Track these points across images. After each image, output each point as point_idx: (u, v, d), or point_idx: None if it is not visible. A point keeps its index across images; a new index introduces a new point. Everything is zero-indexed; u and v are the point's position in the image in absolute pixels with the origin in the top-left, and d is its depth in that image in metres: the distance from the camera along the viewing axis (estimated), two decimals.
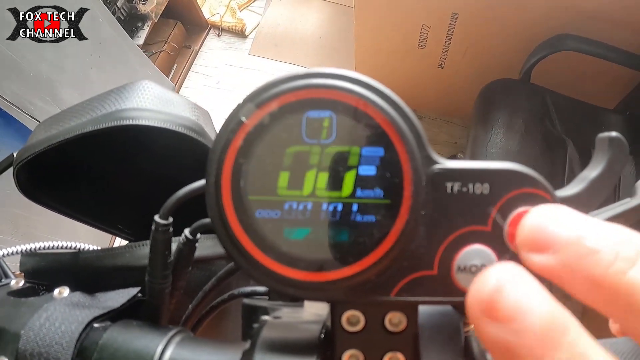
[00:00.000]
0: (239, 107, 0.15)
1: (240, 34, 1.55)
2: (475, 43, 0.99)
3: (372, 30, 1.05)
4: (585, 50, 0.82)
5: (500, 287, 0.10)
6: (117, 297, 0.22)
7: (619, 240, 0.11)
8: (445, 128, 1.33)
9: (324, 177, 0.14)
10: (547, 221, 0.12)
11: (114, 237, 0.34)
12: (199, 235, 0.21)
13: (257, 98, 0.14)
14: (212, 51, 1.53)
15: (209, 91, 1.44)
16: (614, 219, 0.19)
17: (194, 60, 1.50)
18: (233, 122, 0.15)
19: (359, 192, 0.14)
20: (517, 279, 0.11)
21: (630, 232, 0.11)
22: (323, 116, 0.14)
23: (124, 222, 0.34)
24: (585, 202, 0.16)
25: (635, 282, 0.10)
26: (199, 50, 1.52)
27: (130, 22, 1.29)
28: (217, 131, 0.15)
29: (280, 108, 0.14)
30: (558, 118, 0.84)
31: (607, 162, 0.16)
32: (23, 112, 0.75)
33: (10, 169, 0.29)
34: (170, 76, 1.41)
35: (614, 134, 0.16)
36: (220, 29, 1.56)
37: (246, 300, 0.21)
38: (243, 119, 0.14)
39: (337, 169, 0.14)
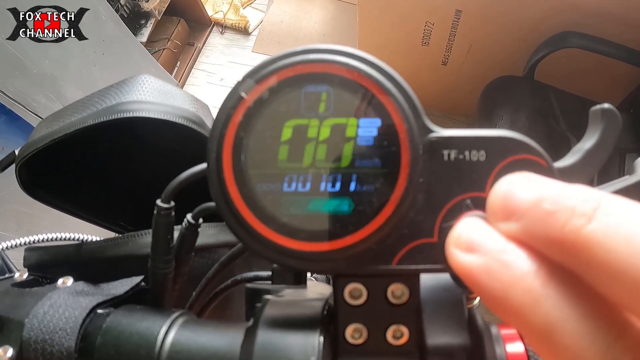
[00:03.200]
0: (239, 84, 0.15)
1: (244, 31, 1.56)
2: (478, 40, 1.00)
3: (375, 27, 1.06)
4: (589, 48, 0.82)
5: (463, 228, 0.13)
6: (121, 286, 0.22)
7: (575, 199, 0.10)
8: (449, 125, 1.33)
9: (323, 149, 0.14)
10: (512, 189, 0.12)
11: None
12: (201, 220, 0.22)
13: (257, 74, 0.15)
14: (216, 48, 1.54)
15: (212, 88, 1.44)
16: None
17: (197, 57, 1.51)
18: (233, 99, 0.15)
19: (357, 162, 0.14)
20: (476, 223, 0.13)
21: (589, 190, 0.11)
22: (320, 90, 0.15)
23: (125, 219, 0.34)
24: (580, 173, 0.16)
25: (592, 237, 0.10)
26: (202, 48, 1.53)
27: (134, 19, 1.29)
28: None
29: (279, 83, 0.15)
30: (562, 115, 0.84)
31: (601, 133, 0.16)
32: (27, 109, 0.75)
33: (13, 167, 0.29)
34: (174, 73, 1.41)
35: (606, 105, 0.16)
36: (223, 27, 1.57)
37: (249, 285, 0.21)
38: (243, 94, 0.15)
39: (336, 140, 0.14)
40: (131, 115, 0.25)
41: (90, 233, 0.31)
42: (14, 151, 0.29)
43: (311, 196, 0.14)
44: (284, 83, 0.15)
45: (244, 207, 0.15)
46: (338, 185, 0.14)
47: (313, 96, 0.15)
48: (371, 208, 0.14)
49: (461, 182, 0.14)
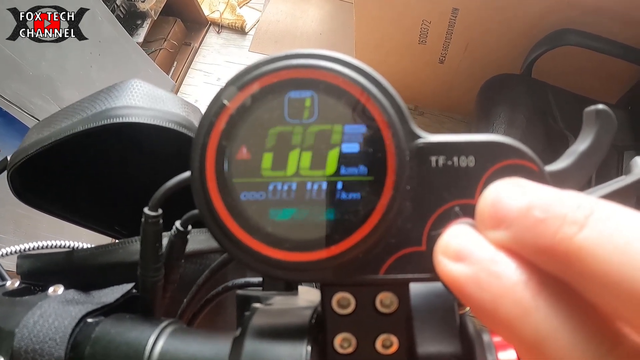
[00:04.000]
0: (221, 91, 0.15)
1: (240, 30, 1.55)
2: (476, 38, 0.99)
3: (372, 26, 1.05)
4: (586, 45, 0.81)
5: (451, 236, 0.12)
6: (111, 293, 0.22)
7: (567, 206, 0.10)
8: (447, 124, 1.33)
9: (307, 157, 0.14)
10: (501, 195, 0.12)
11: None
12: (190, 227, 0.21)
13: (239, 81, 0.14)
14: (212, 48, 1.53)
15: (209, 88, 1.44)
16: (609, 196, 0.18)
17: (194, 57, 1.51)
18: (215, 106, 0.15)
19: (343, 170, 0.14)
20: (465, 231, 0.12)
21: (581, 196, 0.10)
22: (304, 96, 0.14)
23: (120, 223, 0.34)
24: (574, 176, 0.16)
25: (584, 245, 0.09)
26: (199, 48, 1.53)
27: (130, 20, 1.29)
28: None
29: (261, 89, 0.14)
30: (560, 113, 0.83)
31: (595, 135, 0.16)
32: (23, 111, 0.75)
33: (4, 173, 0.29)
34: (171, 74, 1.41)
35: (600, 106, 0.16)
36: (220, 26, 1.57)
37: (240, 291, 0.21)
38: (225, 102, 0.14)
39: (320, 147, 0.14)
40: (120, 120, 0.25)
41: (90, 235, 0.31)
42: (5, 157, 0.29)
43: (296, 205, 0.14)
44: (266, 89, 0.14)
45: (228, 217, 0.14)
46: (323, 194, 0.14)
47: (297, 102, 0.14)
48: (357, 217, 0.14)
49: (450, 189, 0.14)
